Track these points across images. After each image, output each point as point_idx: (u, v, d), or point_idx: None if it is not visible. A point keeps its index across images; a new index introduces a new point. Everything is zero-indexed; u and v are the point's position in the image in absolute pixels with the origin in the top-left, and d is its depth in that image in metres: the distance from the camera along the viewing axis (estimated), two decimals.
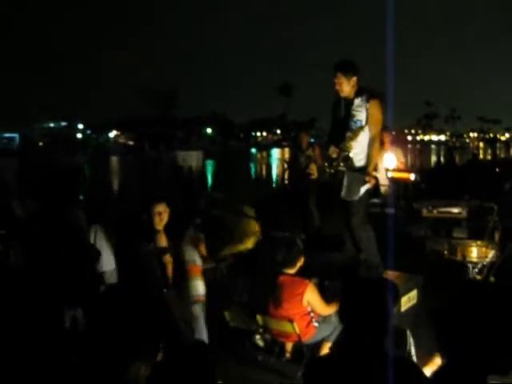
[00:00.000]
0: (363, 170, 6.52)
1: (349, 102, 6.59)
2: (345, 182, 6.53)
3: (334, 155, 6.54)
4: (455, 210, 9.97)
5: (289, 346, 5.58)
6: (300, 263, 5.56)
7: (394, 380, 2.60)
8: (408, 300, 6.26)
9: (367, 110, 6.45)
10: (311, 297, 5.30)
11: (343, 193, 6.53)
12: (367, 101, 6.50)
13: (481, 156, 53.19)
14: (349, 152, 6.44)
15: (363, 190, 6.55)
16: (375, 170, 6.66)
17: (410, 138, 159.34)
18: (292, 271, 5.50)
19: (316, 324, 5.35)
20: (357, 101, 6.55)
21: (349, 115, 6.56)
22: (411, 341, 4.32)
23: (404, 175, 9.98)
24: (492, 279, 7.15)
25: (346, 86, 6.51)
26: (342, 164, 6.51)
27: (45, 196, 6.60)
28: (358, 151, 6.50)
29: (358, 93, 6.56)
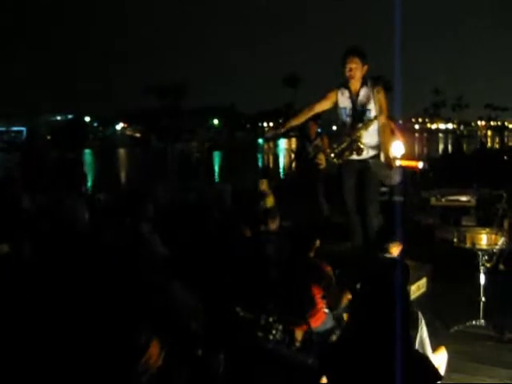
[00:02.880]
0: (376, 158, 6.58)
1: (355, 92, 6.59)
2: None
3: (344, 145, 6.54)
4: (464, 199, 9.96)
5: (299, 334, 5.57)
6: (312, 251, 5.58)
7: (403, 369, 2.62)
8: (417, 288, 6.27)
9: (374, 97, 6.46)
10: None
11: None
12: (373, 88, 6.51)
13: (489, 144, 52.96)
14: (360, 142, 6.45)
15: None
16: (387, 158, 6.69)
17: (417, 126, 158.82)
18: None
19: (327, 310, 5.36)
20: (363, 90, 6.56)
21: (356, 105, 6.57)
22: (423, 324, 4.33)
23: (412, 163, 9.99)
24: (501, 267, 7.14)
25: (359, 72, 6.51)
26: (354, 153, 6.53)
27: (47, 188, 6.69)
28: (368, 141, 6.51)
29: (363, 83, 6.57)
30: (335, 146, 6.64)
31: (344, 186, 6.81)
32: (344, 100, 6.65)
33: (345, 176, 6.79)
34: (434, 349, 4.35)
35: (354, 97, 6.58)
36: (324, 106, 6.81)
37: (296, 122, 6.94)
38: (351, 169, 6.70)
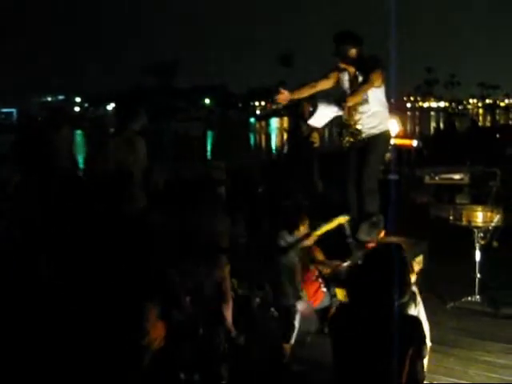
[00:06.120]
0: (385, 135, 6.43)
1: (352, 74, 6.44)
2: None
3: (343, 131, 6.37)
4: (457, 177, 10.00)
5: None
6: (304, 227, 5.57)
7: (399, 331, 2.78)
8: (414, 266, 6.29)
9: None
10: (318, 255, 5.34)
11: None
12: (369, 69, 6.36)
13: (480, 122, 52.99)
14: (355, 128, 6.29)
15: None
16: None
17: (409, 105, 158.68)
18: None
19: (324, 289, 5.40)
20: (359, 73, 6.41)
21: (353, 88, 6.38)
22: (420, 302, 4.40)
23: (406, 142, 10.04)
24: (495, 244, 7.20)
25: (348, 56, 6.35)
26: (351, 139, 6.33)
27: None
28: (366, 122, 6.34)
29: (359, 65, 6.37)
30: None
31: (349, 163, 6.68)
32: (344, 82, 6.50)
33: (351, 154, 6.65)
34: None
35: (352, 79, 6.44)
36: (325, 85, 6.54)
37: (297, 95, 6.63)
38: (354, 147, 6.54)
